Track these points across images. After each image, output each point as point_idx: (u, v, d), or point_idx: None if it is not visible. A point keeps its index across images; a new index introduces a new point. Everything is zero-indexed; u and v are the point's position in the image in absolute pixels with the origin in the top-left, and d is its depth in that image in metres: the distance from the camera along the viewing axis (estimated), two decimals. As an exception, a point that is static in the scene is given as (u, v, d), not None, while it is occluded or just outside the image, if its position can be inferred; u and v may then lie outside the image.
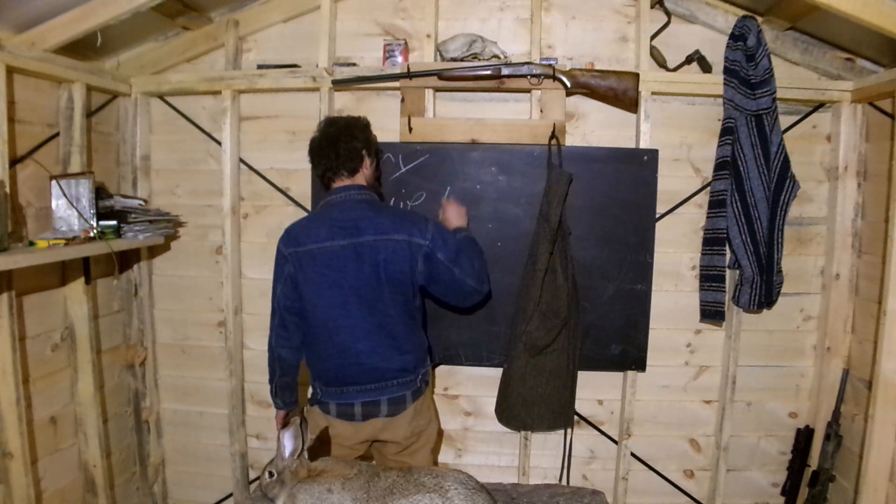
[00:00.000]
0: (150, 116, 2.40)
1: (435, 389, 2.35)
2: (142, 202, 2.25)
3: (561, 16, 2.25)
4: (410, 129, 2.18)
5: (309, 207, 2.28)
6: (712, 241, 2.14)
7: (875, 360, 1.85)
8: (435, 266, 1.71)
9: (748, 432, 2.30)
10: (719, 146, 2.11)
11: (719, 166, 2.10)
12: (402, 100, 2.20)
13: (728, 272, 2.16)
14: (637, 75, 2.11)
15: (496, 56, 2.17)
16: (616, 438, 2.32)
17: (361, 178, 1.79)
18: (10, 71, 1.77)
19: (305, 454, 1.44)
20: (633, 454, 2.31)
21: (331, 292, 1.70)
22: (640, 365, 2.22)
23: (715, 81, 2.11)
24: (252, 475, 2.46)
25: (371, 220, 1.70)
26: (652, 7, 2.16)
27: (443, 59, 2.18)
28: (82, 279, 2.05)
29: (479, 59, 2.16)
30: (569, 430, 2.25)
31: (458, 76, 2.11)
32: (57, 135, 2.01)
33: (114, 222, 2.03)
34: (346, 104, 2.30)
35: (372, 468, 1.44)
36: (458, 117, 2.23)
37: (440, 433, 2.19)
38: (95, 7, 1.87)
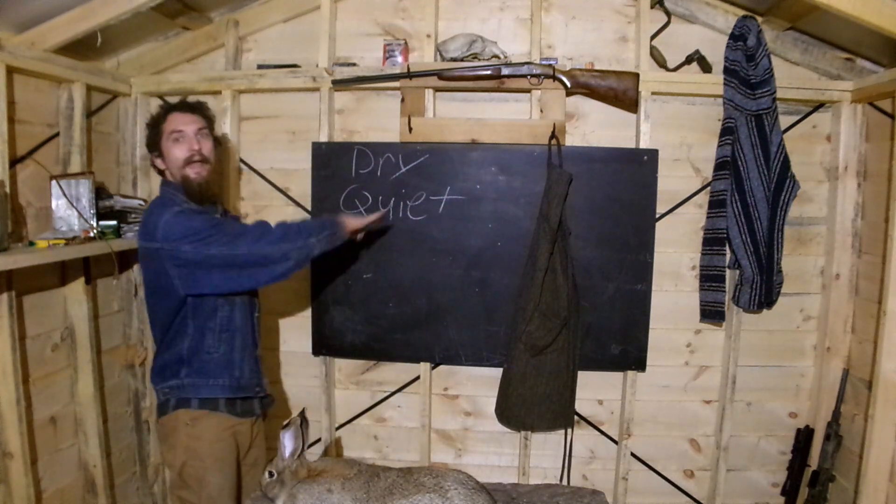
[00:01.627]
0: (150, 117, 2.39)
1: (434, 389, 2.35)
2: (142, 202, 2.24)
3: (561, 16, 2.25)
4: (410, 129, 2.18)
5: (309, 207, 2.28)
6: (712, 241, 2.14)
7: (875, 360, 1.85)
8: (186, 260, 1.53)
9: (748, 432, 2.30)
10: (719, 146, 2.11)
11: (719, 166, 2.10)
12: (402, 100, 2.20)
13: (728, 272, 2.16)
14: (637, 75, 2.11)
15: (496, 56, 2.17)
16: (616, 438, 2.32)
17: (167, 175, 1.71)
18: (10, 71, 1.77)
19: (305, 454, 1.44)
20: (633, 454, 2.31)
21: None
22: (640, 365, 2.22)
23: (715, 81, 2.11)
24: (252, 475, 2.46)
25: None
26: (652, 7, 2.15)
27: (443, 59, 2.18)
28: (82, 279, 2.05)
29: (479, 59, 2.16)
30: (569, 430, 2.25)
31: (458, 76, 2.11)
32: (57, 135, 2.01)
33: (114, 222, 2.03)
34: (346, 104, 2.30)
35: (371, 468, 1.44)
36: (458, 117, 2.23)
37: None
38: (95, 7, 1.87)
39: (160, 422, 1.68)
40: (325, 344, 2.30)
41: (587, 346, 2.19)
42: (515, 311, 2.13)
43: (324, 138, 2.24)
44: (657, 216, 2.19)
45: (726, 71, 2.08)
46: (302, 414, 1.46)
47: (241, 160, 2.35)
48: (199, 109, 1.71)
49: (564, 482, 2.27)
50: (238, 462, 1.71)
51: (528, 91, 2.17)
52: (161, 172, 1.73)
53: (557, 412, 2.16)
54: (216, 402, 1.65)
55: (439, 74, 2.12)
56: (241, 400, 1.70)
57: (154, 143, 1.69)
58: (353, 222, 1.79)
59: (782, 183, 2.09)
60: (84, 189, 1.95)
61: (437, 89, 2.21)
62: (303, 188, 2.31)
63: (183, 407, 1.63)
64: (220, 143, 1.80)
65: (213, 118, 1.78)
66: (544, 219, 2.05)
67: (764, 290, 2.10)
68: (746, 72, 2.05)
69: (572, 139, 2.22)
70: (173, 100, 1.82)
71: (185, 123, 1.66)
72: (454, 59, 2.16)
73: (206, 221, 1.58)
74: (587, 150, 2.18)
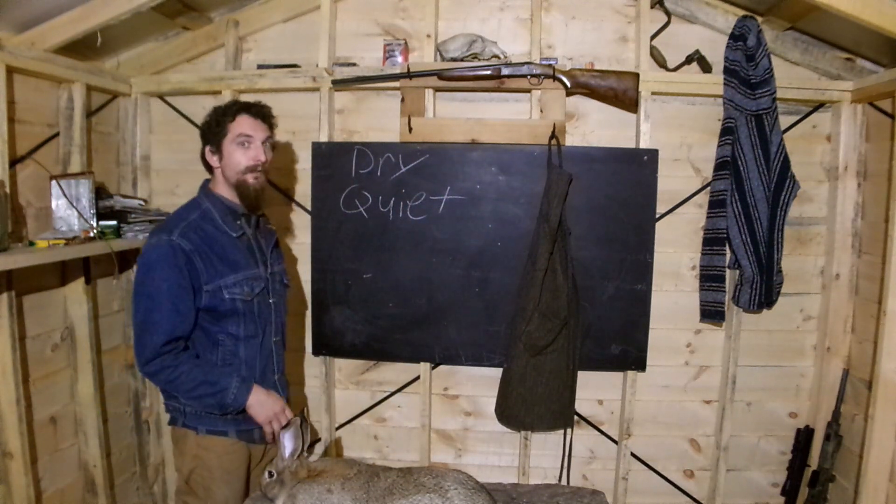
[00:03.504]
0: (150, 116, 2.40)
1: (434, 389, 2.35)
2: (142, 202, 2.25)
3: (561, 16, 2.25)
4: (410, 129, 2.18)
5: (309, 207, 2.28)
6: (712, 241, 2.14)
7: (875, 360, 1.85)
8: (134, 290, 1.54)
9: (748, 432, 2.30)
10: (719, 146, 2.11)
11: (719, 166, 2.10)
12: (402, 100, 2.20)
13: (728, 272, 2.16)
14: (637, 75, 2.11)
15: (496, 56, 2.17)
16: (616, 438, 2.32)
17: (216, 174, 1.62)
18: (10, 71, 1.77)
19: (305, 454, 1.43)
20: (633, 454, 2.31)
21: None
22: (640, 365, 2.22)
23: (715, 81, 2.11)
24: (252, 475, 2.46)
25: None
26: (652, 7, 2.15)
27: (443, 59, 2.18)
28: (82, 279, 2.05)
29: (479, 59, 2.16)
30: (569, 430, 2.25)
31: (458, 76, 2.11)
32: (57, 135, 2.01)
33: (114, 222, 2.03)
34: (346, 104, 2.30)
35: (371, 468, 1.43)
36: (458, 117, 2.23)
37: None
38: (95, 7, 1.88)
39: (171, 427, 1.64)
40: (325, 344, 2.30)
41: (587, 346, 2.19)
42: (515, 311, 2.13)
43: (324, 138, 2.24)
44: (657, 216, 2.19)
45: (726, 71, 2.08)
46: (302, 414, 1.46)
47: (241, 160, 2.35)
48: (268, 117, 1.63)
49: (564, 482, 2.26)
50: (248, 471, 1.66)
51: (528, 91, 2.17)
52: (209, 169, 1.63)
53: (557, 412, 2.16)
54: (226, 432, 1.58)
55: (439, 74, 2.12)
56: (258, 428, 1.60)
57: (215, 139, 1.58)
58: (264, 414, 1.56)
59: (782, 183, 2.09)
60: (84, 189, 1.95)
61: (437, 89, 2.21)
62: (303, 188, 2.31)
63: (191, 429, 1.58)
64: (275, 149, 1.70)
65: (276, 125, 1.68)
66: (544, 219, 2.05)
67: (764, 290, 2.10)
68: (746, 72, 2.05)
69: (572, 139, 2.22)
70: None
71: (254, 129, 1.57)
72: (454, 59, 2.16)
73: (160, 282, 1.47)
74: (587, 150, 2.18)
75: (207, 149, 1.60)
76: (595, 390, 2.31)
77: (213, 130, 1.58)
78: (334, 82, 2.21)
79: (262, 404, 1.56)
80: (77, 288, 2.05)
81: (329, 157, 2.22)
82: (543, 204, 2.07)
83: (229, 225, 1.59)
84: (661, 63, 2.18)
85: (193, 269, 1.50)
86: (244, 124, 1.57)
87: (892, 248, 1.79)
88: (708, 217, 2.17)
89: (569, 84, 2.11)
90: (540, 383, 2.11)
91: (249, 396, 1.54)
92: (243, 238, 1.62)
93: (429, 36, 2.22)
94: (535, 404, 2.13)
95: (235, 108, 1.59)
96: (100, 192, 2.05)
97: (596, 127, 2.25)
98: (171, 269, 1.47)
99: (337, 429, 2.40)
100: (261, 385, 1.60)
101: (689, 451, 2.34)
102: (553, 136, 2.11)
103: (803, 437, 2.24)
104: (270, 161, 1.63)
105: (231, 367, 1.58)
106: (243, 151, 1.57)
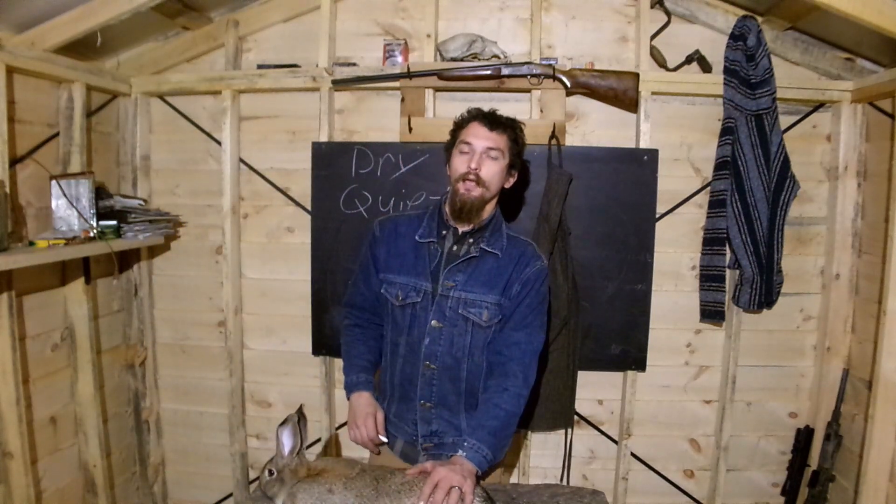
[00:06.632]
0: (150, 116, 2.40)
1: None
2: (142, 202, 2.25)
3: (561, 16, 2.25)
4: (410, 129, 2.18)
5: (309, 207, 2.28)
6: (712, 241, 2.14)
7: (875, 360, 1.85)
8: None
9: (748, 432, 2.30)
10: (719, 146, 2.11)
11: (719, 166, 2.10)
12: (402, 100, 2.20)
13: (728, 272, 2.16)
14: (637, 75, 2.11)
15: (496, 56, 2.17)
16: (616, 438, 2.32)
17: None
18: (10, 71, 1.77)
19: (304, 453, 1.43)
20: (633, 454, 2.31)
21: None
22: (640, 365, 2.22)
23: (715, 81, 2.11)
24: (252, 475, 2.46)
25: None
26: (652, 7, 2.16)
27: (443, 59, 2.18)
28: (82, 279, 2.05)
29: (479, 59, 2.16)
30: (569, 430, 2.25)
31: (458, 76, 2.11)
32: (57, 135, 2.01)
33: (114, 222, 2.03)
34: (347, 104, 2.30)
35: (381, 468, 1.43)
36: (458, 117, 2.23)
37: None
38: (95, 7, 1.88)
39: None
40: (325, 344, 2.30)
41: (587, 346, 2.19)
42: (515, 311, 2.13)
43: (324, 138, 2.24)
44: (657, 216, 2.19)
45: (726, 71, 2.08)
46: (300, 410, 1.45)
47: (241, 160, 2.35)
48: (501, 127, 1.51)
49: (564, 482, 2.26)
50: None
51: (528, 91, 2.17)
52: None
53: (557, 412, 2.15)
54: None
55: (439, 74, 2.12)
56: (396, 438, 1.61)
57: (448, 148, 1.56)
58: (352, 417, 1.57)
59: (782, 183, 2.09)
60: (84, 189, 1.95)
61: (437, 89, 2.21)
62: (303, 188, 2.31)
63: None
64: (514, 173, 1.57)
65: (520, 143, 1.55)
66: (544, 219, 2.04)
67: (764, 290, 2.10)
68: (746, 72, 2.05)
69: (572, 139, 2.22)
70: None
71: (477, 137, 1.48)
72: (454, 59, 2.16)
73: (358, 268, 1.66)
74: (587, 150, 2.18)
75: (446, 155, 1.56)
76: (595, 390, 2.31)
77: (450, 138, 1.56)
78: (334, 82, 2.21)
79: (350, 409, 1.57)
80: (77, 288, 2.05)
81: (329, 157, 2.22)
82: (543, 204, 2.07)
83: (425, 229, 1.55)
84: (661, 63, 2.18)
85: (376, 254, 1.60)
86: (469, 131, 1.50)
87: (892, 248, 1.79)
88: (708, 217, 2.17)
89: (569, 84, 2.11)
90: (540, 383, 2.10)
91: (350, 397, 1.59)
92: (429, 246, 1.55)
93: (429, 36, 2.22)
94: (535, 404, 2.12)
95: (469, 116, 1.54)
96: (100, 192, 2.04)
97: (596, 127, 2.25)
98: (365, 249, 1.64)
99: (337, 429, 2.40)
100: (400, 406, 1.59)
101: (689, 451, 2.34)
102: (553, 136, 2.11)
103: (803, 437, 2.24)
104: (493, 177, 1.48)
105: (375, 361, 1.64)
106: (461, 158, 1.49)
